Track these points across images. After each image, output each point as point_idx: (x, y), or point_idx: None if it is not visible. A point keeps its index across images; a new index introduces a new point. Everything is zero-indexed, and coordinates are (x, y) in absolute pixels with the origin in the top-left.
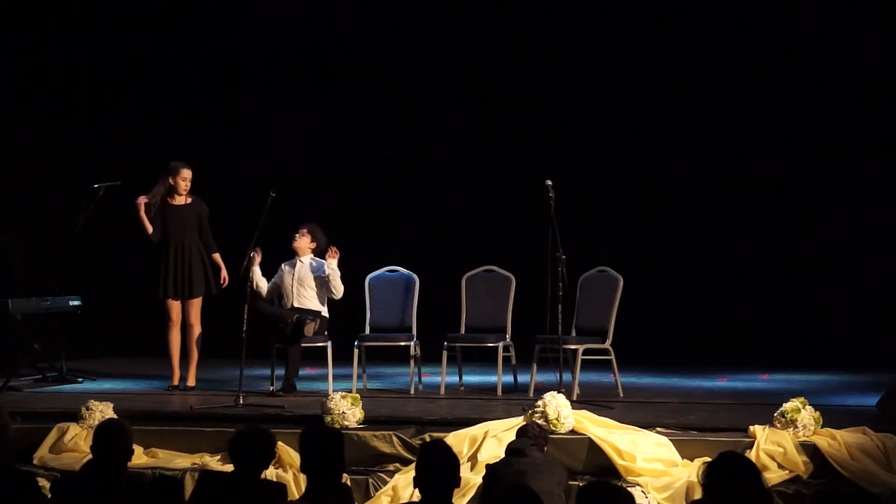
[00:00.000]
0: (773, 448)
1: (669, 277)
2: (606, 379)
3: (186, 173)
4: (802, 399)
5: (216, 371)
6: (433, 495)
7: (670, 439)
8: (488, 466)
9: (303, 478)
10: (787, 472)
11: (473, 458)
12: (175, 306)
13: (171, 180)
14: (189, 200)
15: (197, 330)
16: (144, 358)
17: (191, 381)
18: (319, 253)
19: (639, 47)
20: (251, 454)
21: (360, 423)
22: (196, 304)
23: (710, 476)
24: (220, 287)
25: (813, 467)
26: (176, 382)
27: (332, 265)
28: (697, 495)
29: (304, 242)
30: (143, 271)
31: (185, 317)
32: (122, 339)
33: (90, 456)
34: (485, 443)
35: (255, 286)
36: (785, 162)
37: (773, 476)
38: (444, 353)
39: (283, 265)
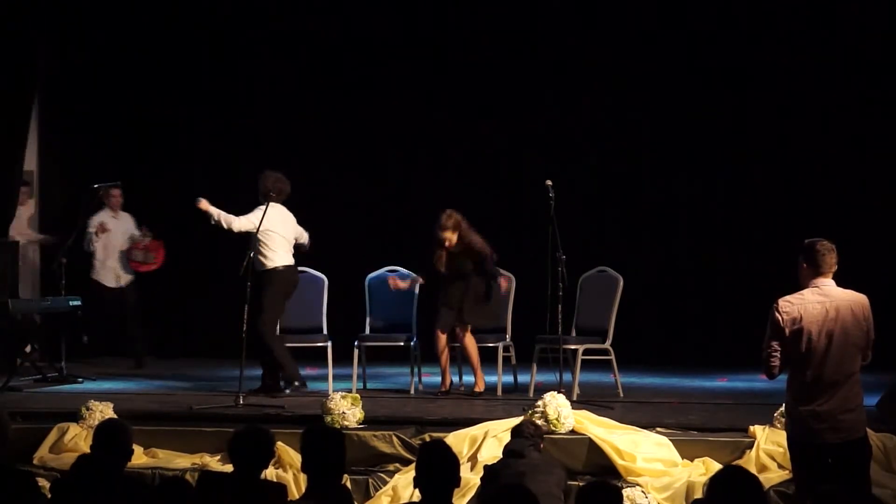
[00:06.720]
0: (773, 448)
1: (669, 277)
2: (606, 379)
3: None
4: None
5: (216, 371)
6: (433, 495)
7: (670, 439)
8: (486, 467)
9: (303, 478)
10: (787, 472)
11: (473, 459)
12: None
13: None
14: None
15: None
16: (145, 358)
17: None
18: None
19: (639, 47)
20: (251, 454)
21: (360, 423)
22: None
23: (713, 490)
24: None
25: None
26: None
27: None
28: (697, 495)
29: None
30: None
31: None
32: (122, 340)
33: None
34: (485, 443)
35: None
36: (785, 161)
37: (773, 476)
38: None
39: None
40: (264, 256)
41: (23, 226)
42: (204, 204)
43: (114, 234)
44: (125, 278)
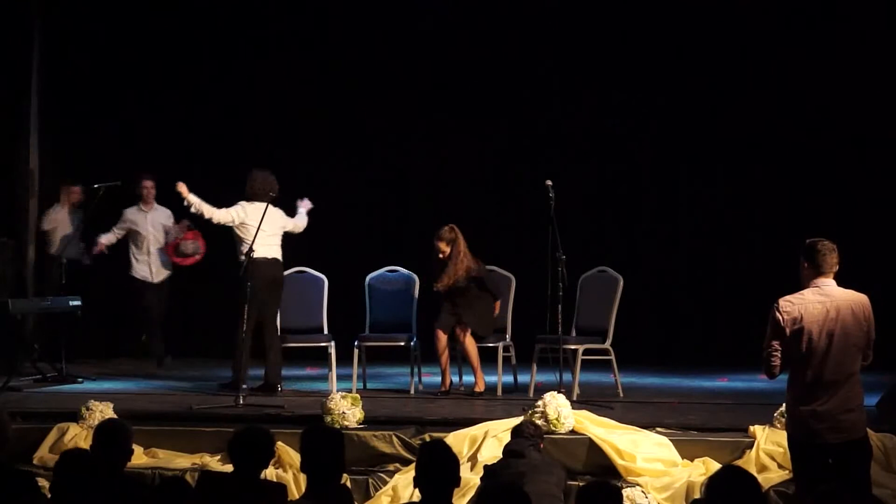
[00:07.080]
0: (773, 448)
1: (669, 277)
2: (606, 379)
3: None
4: None
5: (216, 371)
6: (433, 495)
7: (670, 439)
8: (486, 468)
9: (303, 478)
10: (787, 471)
11: (473, 459)
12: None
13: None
14: None
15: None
16: (144, 358)
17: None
18: None
19: (639, 46)
20: (251, 454)
21: (360, 423)
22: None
23: (711, 490)
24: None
25: None
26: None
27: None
28: (697, 495)
29: None
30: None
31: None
32: (122, 339)
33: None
34: (485, 443)
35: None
36: (785, 161)
37: (773, 476)
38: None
39: None
40: (241, 251)
41: (66, 224)
42: (184, 189)
43: (142, 227)
44: (161, 274)
